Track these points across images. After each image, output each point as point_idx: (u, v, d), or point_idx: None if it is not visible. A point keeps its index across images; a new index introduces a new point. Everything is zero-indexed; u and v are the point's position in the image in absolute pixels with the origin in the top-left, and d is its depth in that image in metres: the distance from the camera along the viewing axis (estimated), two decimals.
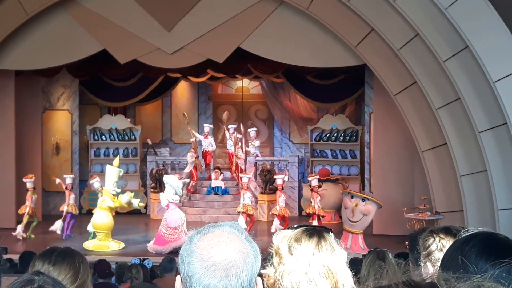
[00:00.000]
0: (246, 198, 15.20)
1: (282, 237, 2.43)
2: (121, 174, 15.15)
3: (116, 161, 15.14)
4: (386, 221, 15.09)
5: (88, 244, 14.36)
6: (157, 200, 17.06)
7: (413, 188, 14.92)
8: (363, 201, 13.85)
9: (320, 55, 14.79)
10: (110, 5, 15.09)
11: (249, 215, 15.26)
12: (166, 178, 14.66)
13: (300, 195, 18.41)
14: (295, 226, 2.52)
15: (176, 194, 14.20)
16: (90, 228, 14.68)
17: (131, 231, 16.38)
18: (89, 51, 15.54)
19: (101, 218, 14.46)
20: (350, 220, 13.92)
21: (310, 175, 16.43)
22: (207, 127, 18.88)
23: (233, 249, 1.92)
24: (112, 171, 14.65)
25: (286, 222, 15.01)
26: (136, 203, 14.73)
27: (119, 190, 14.74)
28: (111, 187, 14.53)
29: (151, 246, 14.02)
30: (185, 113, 19.14)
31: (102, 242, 14.32)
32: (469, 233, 2.17)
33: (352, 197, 14.04)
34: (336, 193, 16.69)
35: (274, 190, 16.33)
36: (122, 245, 14.58)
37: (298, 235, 2.44)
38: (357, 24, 13.83)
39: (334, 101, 18.99)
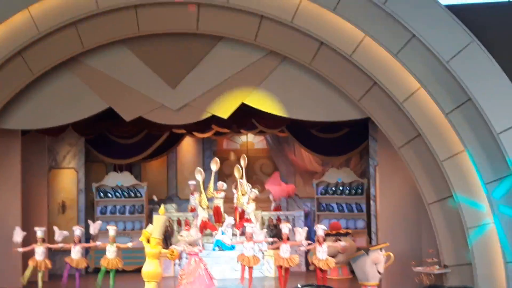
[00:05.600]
0: (248, 248, 14.93)
1: None
2: (166, 222, 15.15)
3: (162, 209, 15.05)
4: (394, 275, 14.87)
5: None
6: (164, 257, 16.83)
7: (420, 240, 14.76)
8: (381, 250, 13.78)
9: (323, 109, 14.80)
10: (114, 64, 15.22)
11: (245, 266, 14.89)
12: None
13: (307, 250, 18.17)
14: (299, 286, 2.50)
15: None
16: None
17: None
18: (94, 110, 15.58)
19: (153, 267, 13.79)
20: (380, 273, 13.64)
21: (319, 222, 16.24)
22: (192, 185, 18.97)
23: None
24: (159, 220, 14.16)
25: (286, 276, 14.63)
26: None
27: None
28: (159, 235, 14.04)
29: None
30: (154, 197, 19.45)
31: None
32: None
33: (381, 250, 13.77)
34: (348, 247, 16.36)
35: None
36: None
37: None
38: (360, 78, 13.90)
39: (338, 154, 18.98)
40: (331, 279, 15.49)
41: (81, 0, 14.39)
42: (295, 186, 20.51)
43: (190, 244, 14.81)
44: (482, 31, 13.23)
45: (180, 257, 15.86)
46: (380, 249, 13.79)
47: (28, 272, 15.22)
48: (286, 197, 20.33)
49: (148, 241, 13.52)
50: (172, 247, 15.51)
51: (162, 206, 15.49)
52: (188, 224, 17.15)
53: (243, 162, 18.20)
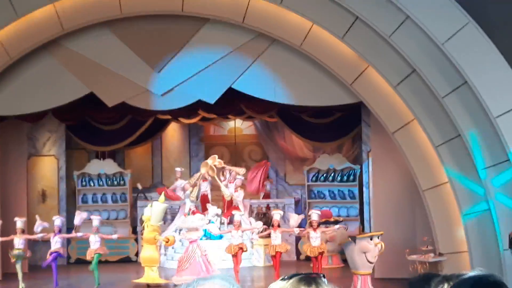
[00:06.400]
0: (236, 237, 14.97)
1: None
2: (167, 210, 16.30)
3: (162, 197, 15.99)
4: (388, 264, 14.94)
5: (141, 279, 15.10)
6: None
7: (414, 228, 14.84)
8: (371, 239, 13.76)
9: (314, 94, 14.82)
10: (96, 47, 15.12)
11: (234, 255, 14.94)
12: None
13: (297, 239, 18.22)
14: (287, 277, 2.45)
15: None
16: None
17: (121, 278, 16.22)
18: (75, 95, 15.51)
19: (150, 252, 15.15)
20: (370, 262, 13.58)
21: (310, 210, 16.31)
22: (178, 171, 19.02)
23: None
24: (159, 207, 15.36)
25: (278, 258, 14.70)
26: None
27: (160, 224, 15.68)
28: (157, 222, 15.29)
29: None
30: (138, 185, 19.51)
31: (154, 274, 15.08)
32: (462, 279, 2.29)
33: (371, 238, 13.71)
34: (338, 235, 16.40)
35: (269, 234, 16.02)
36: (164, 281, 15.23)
37: (295, 285, 2.37)
38: (352, 61, 13.90)
39: (330, 140, 18.98)
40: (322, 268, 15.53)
41: None
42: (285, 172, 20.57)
43: (190, 231, 15.07)
44: (479, 11, 13.20)
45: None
46: (371, 238, 13.79)
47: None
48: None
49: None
50: (168, 234, 15.78)
51: (163, 194, 16.25)
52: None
53: (213, 162, 17.97)
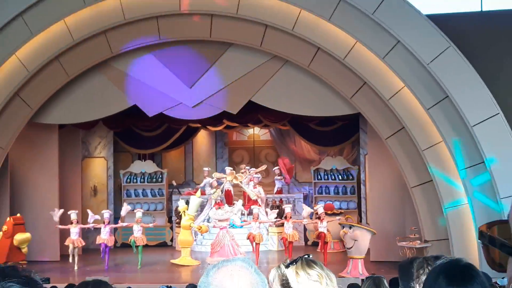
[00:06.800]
0: (255, 227, 15.04)
1: (280, 274, 2.39)
2: (202, 203, 16.58)
3: (198, 193, 16.35)
4: (382, 249, 14.93)
5: (177, 260, 15.30)
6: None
7: (403, 219, 14.78)
8: (350, 228, 13.73)
9: (320, 106, 14.80)
10: (139, 67, 15.23)
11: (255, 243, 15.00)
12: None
13: (306, 228, 18.21)
14: (286, 263, 2.47)
15: None
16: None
17: (159, 260, 16.29)
18: (121, 107, 15.61)
19: (186, 236, 15.42)
20: (347, 248, 13.79)
21: (315, 205, 16.43)
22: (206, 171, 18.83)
23: (244, 281, 1.88)
24: (195, 201, 15.78)
25: (290, 248, 14.79)
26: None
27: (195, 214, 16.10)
28: (193, 212, 15.69)
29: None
30: (173, 182, 19.31)
31: (187, 257, 15.33)
32: (438, 263, 2.29)
33: (343, 227, 13.96)
34: (336, 225, 16.45)
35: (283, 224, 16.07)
36: (197, 262, 15.35)
37: (298, 266, 2.40)
38: (352, 79, 13.88)
39: (333, 145, 18.97)
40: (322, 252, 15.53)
41: (110, 11, 14.39)
42: (295, 171, 20.53)
43: (219, 220, 15.19)
44: (458, 37, 13.19)
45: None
46: (343, 227, 13.86)
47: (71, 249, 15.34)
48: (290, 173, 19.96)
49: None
50: (201, 223, 15.95)
51: (199, 190, 16.61)
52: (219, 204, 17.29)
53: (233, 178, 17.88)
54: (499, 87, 13.26)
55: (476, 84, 12.72)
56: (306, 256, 2.47)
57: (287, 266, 2.40)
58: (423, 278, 2.95)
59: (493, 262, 2.18)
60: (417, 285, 3.03)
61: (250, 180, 18.03)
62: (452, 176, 12.95)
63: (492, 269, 2.24)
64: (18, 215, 15.59)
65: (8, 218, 15.46)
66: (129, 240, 15.54)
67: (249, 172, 18.12)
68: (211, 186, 18.15)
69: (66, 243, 15.41)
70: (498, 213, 12.17)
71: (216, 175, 17.86)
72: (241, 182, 17.38)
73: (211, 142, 21.22)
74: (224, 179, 17.70)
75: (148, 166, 19.95)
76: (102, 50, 14.86)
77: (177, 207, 17.24)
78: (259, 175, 18.19)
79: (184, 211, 15.69)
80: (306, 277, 2.33)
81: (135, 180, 19.86)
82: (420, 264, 3.10)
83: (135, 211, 16.10)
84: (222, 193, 17.82)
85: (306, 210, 15.32)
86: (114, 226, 16.22)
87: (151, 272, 14.68)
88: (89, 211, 15.70)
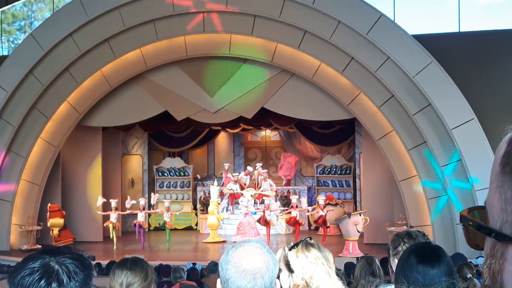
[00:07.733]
0: (266, 214, 15.05)
1: (285, 256, 2.39)
2: (219, 191, 16.62)
3: (215, 183, 16.63)
4: (373, 233, 14.87)
5: (207, 239, 15.72)
6: (204, 219, 17.18)
7: (392, 207, 14.73)
8: (360, 215, 13.69)
9: (321, 112, 14.78)
10: (169, 78, 15.29)
11: (266, 224, 15.05)
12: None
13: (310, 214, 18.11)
14: (289, 246, 2.47)
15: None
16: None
17: (186, 241, 16.36)
18: (154, 112, 15.69)
19: (213, 220, 15.87)
20: (359, 231, 13.41)
21: (317, 196, 16.44)
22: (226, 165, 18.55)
23: (258, 259, 1.89)
24: (215, 190, 16.19)
25: (297, 230, 14.87)
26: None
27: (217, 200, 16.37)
28: (214, 199, 16.11)
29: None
30: (198, 175, 19.09)
31: (215, 236, 15.79)
32: (410, 246, 2.25)
33: (360, 214, 13.63)
34: (335, 213, 16.34)
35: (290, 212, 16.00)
36: (223, 239, 15.70)
37: (299, 249, 2.40)
38: (349, 89, 13.86)
39: (332, 145, 18.91)
40: (321, 235, 15.51)
41: (145, 32, 14.47)
42: (300, 167, 20.49)
43: (245, 206, 15.33)
44: (439, 53, 13.15)
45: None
46: (360, 214, 13.75)
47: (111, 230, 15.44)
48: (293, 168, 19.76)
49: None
50: (221, 213, 16.01)
51: (215, 182, 16.67)
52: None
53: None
54: (474, 96, 13.20)
55: (454, 94, 12.66)
56: (308, 238, 2.48)
57: (290, 249, 2.41)
58: (400, 250, 2.86)
59: (471, 242, 2.17)
60: (395, 258, 2.93)
61: (264, 181, 17.65)
62: (433, 174, 12.88)
63: (471, 247, 2.22)
64: (50, 204, 15.52)
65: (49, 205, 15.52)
66: (159, 224, 15.67)
67: (258, 172, 17.66)
68: (234, 182, 17.84)
69: (104, 225, 15.55)
70: (470, 191, 12.10)
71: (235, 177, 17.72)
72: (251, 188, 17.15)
73: (230, 142, 21.23)
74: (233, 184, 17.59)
75: (177, 162, 19.98)
76: (139, 64, 14.94)
77: (201, 196, 17.32)
78: (266, 170, 18.10)
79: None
80: (304, 259, 2.34)
81: (165, 174, 19.91)
82: (394, 240, 3.00)
83: (163, 200, 16.26)
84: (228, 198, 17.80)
85: (304, 202, 15.47)
86: (148, 212, 16.29)
87: (179, 251, 14.73)
88: (128, 197, 15.83)
